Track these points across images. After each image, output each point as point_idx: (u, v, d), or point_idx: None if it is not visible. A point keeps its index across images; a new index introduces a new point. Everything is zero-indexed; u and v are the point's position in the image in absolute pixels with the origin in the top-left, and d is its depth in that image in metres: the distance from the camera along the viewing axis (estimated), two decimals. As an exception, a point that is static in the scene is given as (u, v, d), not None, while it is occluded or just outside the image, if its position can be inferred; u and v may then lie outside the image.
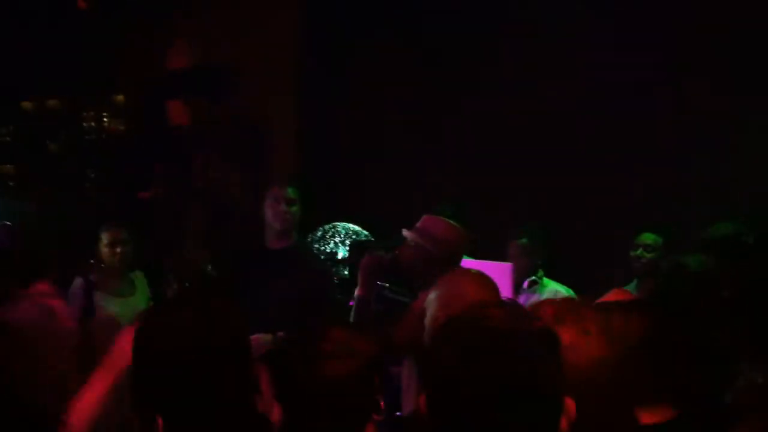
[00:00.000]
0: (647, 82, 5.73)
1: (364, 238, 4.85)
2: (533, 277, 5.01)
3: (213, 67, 6.29)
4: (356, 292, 3.67)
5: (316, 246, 5.11)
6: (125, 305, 4.56)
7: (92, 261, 4.57)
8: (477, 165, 6.13)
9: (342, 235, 5.08)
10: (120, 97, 6.22)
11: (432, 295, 2.83)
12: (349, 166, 6.48)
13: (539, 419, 1.42)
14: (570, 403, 1.50)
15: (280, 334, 3.89)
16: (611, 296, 3.02)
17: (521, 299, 4.77)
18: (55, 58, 5.91)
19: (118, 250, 4.63)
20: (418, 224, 3.67)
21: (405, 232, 3.67)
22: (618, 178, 5.71)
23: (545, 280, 5.02)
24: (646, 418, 2.01)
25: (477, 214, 5.42)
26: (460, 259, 3.65)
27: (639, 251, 4.95)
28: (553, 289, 4.91)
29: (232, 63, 6.29)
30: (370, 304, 3.63)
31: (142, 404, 1.82)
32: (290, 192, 4.31)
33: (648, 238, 4.98)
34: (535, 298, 4.73)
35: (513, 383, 1.40)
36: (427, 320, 2.76)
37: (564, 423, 1.48)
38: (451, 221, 3.69)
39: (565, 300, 1.84)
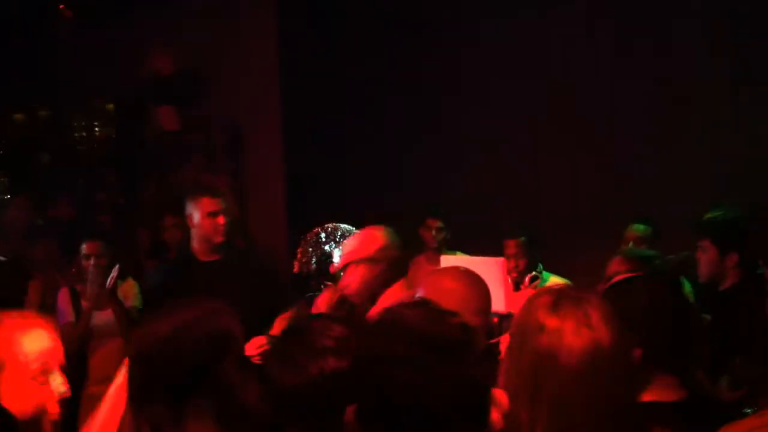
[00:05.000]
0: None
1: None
2: (534, 273, 5.01)
3: (194, 72, 6.29)
4: None
5: (325, 247, 5.05)
6: (100, 317, 4.55)
7: (74, 270, 4.59)
8: (463, 164, 6.22)
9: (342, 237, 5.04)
10: (110, 106, 6.22)
11: (418, 295, 2.70)
12: (334, 166, 6.52)
13: (466, 416, 1.45)
14: (500, 394, 1.54)
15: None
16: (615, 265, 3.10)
17: (522, 295, 4.74)
18: (45, 69, 5.94)
19: (93, 262, 4.62)
20: (355, 244, 3.47)
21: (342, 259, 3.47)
22: (609, 171, 5.85)
23: (545, 273, 5.04)
24: (656, 395, 2.05)
25: (465, 213, 5.47)
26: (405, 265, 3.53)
27: (630, 244, 4.93)
28: (554, 282, 4.85)
29: (214, 67, 6.34)
30: None
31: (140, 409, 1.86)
32: (223, 202, 4.13)
33: (637, 229, 5.00)
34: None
35: (431, 386, 1.41)
36: None
37: (496, 415, 1.51)
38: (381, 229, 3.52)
39: (564, 288, 1.80)
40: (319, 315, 2.58)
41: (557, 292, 1.75)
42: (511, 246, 5.05)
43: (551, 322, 1.68)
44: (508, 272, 4.94)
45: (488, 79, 6.23)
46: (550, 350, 1.66)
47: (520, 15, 6.20)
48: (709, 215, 4.04)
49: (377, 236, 3.44)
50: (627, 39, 5.95)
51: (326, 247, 4.97)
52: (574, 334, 1.66)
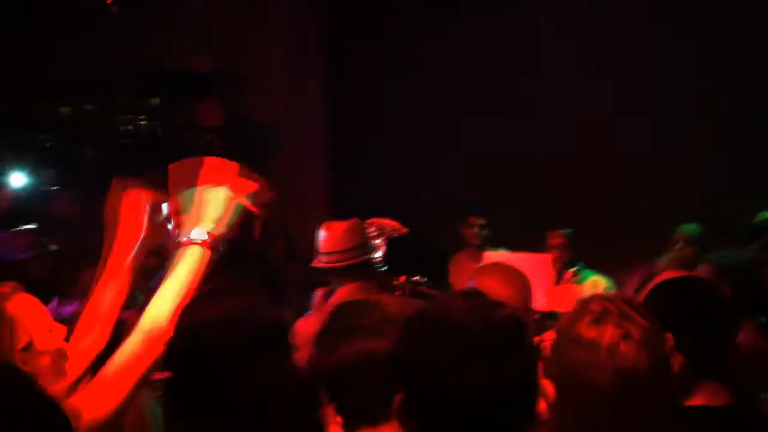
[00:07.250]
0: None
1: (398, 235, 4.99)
2: (576, 268, 5.16)
3: (236, 70, 6.43)
4: None
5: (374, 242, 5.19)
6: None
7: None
8: (503, 164, 6.35)
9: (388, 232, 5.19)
10: (155, 100, 6.36)
11: None
12: (377, 164, 6.59)
13: (514, 406, 1.48)
14: (547, 385, 1.62)
15: None
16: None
17: (563, 289, 4.83)
18: (91, 63, 6.03)
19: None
20: None
21: None
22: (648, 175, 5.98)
23: (586, 270, 5.16)
24: (702, 400, 2.09)
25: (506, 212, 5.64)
26: None
27: (680, 245, 5.00)
28: (594, 279, 5.06)
29: (253, 66, 6.46)
30: None
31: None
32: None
33: (688, 229, 5.04)
34: (577, 288, 4.88)
35: (482, 378, 1.42)
36: None
37: (543, 405, 1.59)
38: None
39: (613, 301, 1.73)
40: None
41: (605, 305, 1.70)
42: (557, 237, 5.20)
43: (589, 335, 1.66)
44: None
45: (537, 78, 6.35)
46: (583, 364, 1.65)
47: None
48: (761, 217, 4.11)
49: None
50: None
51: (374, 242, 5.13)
52: (610, 352, 1.63)
